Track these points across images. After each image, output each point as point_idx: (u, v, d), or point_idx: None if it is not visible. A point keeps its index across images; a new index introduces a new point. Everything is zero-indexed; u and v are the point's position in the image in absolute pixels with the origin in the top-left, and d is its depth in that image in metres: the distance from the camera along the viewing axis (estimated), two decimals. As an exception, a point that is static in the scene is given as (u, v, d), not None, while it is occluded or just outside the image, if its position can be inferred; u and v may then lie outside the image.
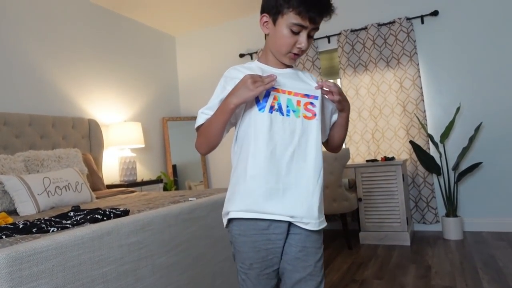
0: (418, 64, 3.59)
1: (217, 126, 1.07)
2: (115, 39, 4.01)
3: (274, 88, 1.05)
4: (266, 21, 1.08)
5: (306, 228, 1.03)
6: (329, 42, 4.05)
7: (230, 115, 1.04)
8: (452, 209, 3.31)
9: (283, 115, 1.05)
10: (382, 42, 3.75)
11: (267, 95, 1.05)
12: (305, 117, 1.06)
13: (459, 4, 3.49)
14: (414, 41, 3.62)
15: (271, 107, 1.04)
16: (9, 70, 2.93)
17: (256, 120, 1.04)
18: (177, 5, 4.00)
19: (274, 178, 1.02)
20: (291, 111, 1.05)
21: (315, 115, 1.07)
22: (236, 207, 1.04)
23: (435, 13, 3.56)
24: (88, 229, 1.16)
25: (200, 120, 1.13)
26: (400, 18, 3.63)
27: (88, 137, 3.46)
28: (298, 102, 1.06)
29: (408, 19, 3.62)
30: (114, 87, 3.94)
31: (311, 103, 1.08)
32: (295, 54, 1.06)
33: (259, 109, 1.04)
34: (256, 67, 1.13)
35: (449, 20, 3.54)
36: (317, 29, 1.05)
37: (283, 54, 1.07)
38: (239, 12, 4.32)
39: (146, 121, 4.31)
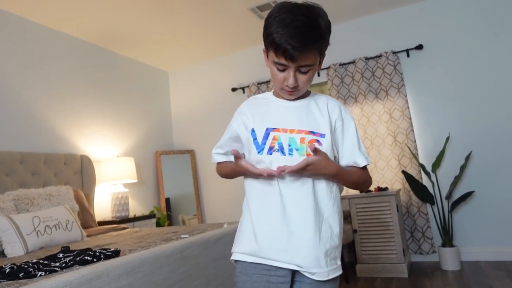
0: (406, 96, 3.68)
1: (229, 175, 1.17)
2: (108, 75, 4.08)
3: (273, 128, 1.02)
4: (266, 56, 1.05)
5: (313, 278, 0.98)
6: (319, 75, 4.15)
7: (240, 175, 1.12)
8: (448, 238, 3.28)
9: (284, 155, 0.99)
10: (370, 75, 3.86)
11: (266, 136, 1.01)
12: (309, 155, 0.97)
13: (442, 38, 3.63)
14: (401, 74, 3.73)
15: (270, 148, 1.00)
16: (0, 107, 2.95)
17: (255, 163, 1.02)
18: (169, 41, 4.11)
19: (277, 224, 0.98)
20: (294, 150, 0.99)
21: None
22: (241, 249, 1.04)
23: (419, 47, 3.69)
24: (77, 273, 1.13)
25: (214, 159, 1.20)
26: (386, 52, 3.76)
27: (80, 173, 3.43)
28: (302, 140, 1.00)
29: (394, 52, 3.75)
30: (107, 123, 3.96)
31: (317, 141, 1.00)
32: (288, 90, 1.01)
33: (258, 152, 1.02)
34: (264, 97, 1.13)
35: (433, 53, 3.67)
36: (308, 66, 0.97)
37: (279, 90, 1.04)
38: (231, 47, 4.44)
39: (139, 155, 4.30)
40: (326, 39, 0.99)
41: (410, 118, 3.65)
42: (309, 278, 0.98)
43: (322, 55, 1.02)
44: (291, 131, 1.00)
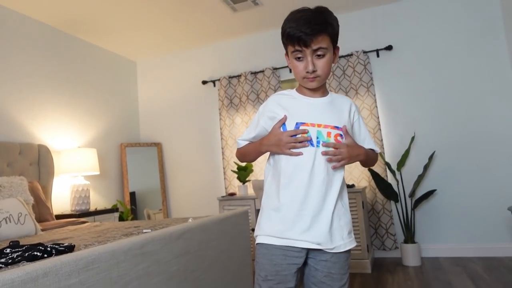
0: (375, 95, 3.74)
1: (251, 156, 1.31)
2: (72, 62, 3.86)
3: (303, 123, 1.14)
4: (287, 58, 1.21)
5: (332, 251, 1.12)
6: (290, 71, 4.13)
7: (261, 155, 1.26)
8: (410, 235, 3.37)
9: (313, 146, 1.13)
10: (341, 73, 3.89)
11: (296, 128, 1.14)
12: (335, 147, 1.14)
13: (411, 40, 3.72)
14: (371, 73, 3.78)
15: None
16: (-51, 91, 2.71)
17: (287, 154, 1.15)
18: (138, 29, 3.95)
19: (302, 207, 1.11)
20: (321, 142, 1.13)
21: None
22: (266, 231, 1.16)
23: (389, 48, 3.75)
24: (21, 270, 1.03)
25: (239, 145, 1.34)
26: (357, 51, 3.80)
27: (37, 164, 3.24)
28: (329, 134, 1.14)
29: (365, 52, 3.79)
30: (69, 112, 3.75)
31: (341, 135, 1.15)
32: (309, 78, 1.13)
33: None
34: (289, 94, 1.24)
35: (402, 54, 3.75)
36: (322, 48, 1.10)
37: (301, 81, 1.17)
38: (203, 38, 4.34)
39: (102, 147, 4.12)
40: (334, 27, 1.12)
41: (378, 117, 3.71)
42: (328, 252, 1.12)
43: (334, 42, 1.15)
44: (319, 125, 1.13)
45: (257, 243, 1.19)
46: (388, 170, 3.66)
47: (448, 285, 2.70)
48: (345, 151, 1.14)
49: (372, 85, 3.76)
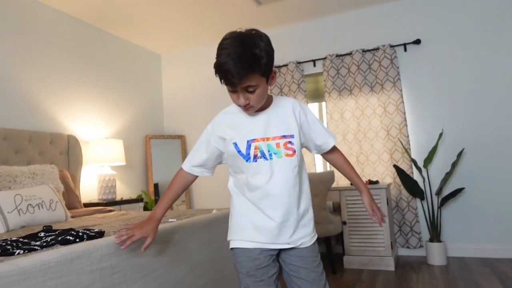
0: (401, 90, 3.65)
1: (168, 191, 1.36)
2: (99, 55, 3.96)
3: (253, 139, 1.19)
4: None
5: (301, 247, 1.22)
6: (314, 65, 4.09)
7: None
8: (435, 234, 3.29)
9: (267, 159, 1.18)
10: (366, 67, 3.82)
11: (248, 147, 1.19)
12: (287, 155, 1.20)
13: (440, 34, 3.60)
14: (398, 68, 3.69)
15: (255, 156, 1.18)
16: (-14, 82, 2.83)
17: (245, 169, 1.20)
18: (163, 22, 4.00)
19: (270, 215, 1.17)
20: (273, 154, 1.19)
21: (294, 151, 1.21)
22: (240, 237, 1.21)
23: (417, 42, 3.65)
24: (56, 252, 1.07)
25: (187, 170, 1.34)
26: (384, 45, 3.72)
27: (67, 154, 3.34)
28: (278, 145, 1.19)
29: (392, 46, 3.70)
30: (96, 103, 3.85)
31: (290, 142, 1.21)
32: (244, 107, 1.16)
33: (246, 161, 1.19)
34: (234, 111, 1.26)
35: (431, 48, 3.64)
36: (251, 86, 1.10)
37: (238, 107, 1.20)
38: (227, 31, 4.34)
39: (128, 138, 4.21)
40: (263, 59, 1.10)
41: (404, 113, 3.62)
42: (297, 248, 1.22)
43: (266, 74, 1.14)
44: (267, 139, 1.19)
45: (232, 248, 1.25)
46: (414, 167, 3.57)
47: (475, 285, 2.62)
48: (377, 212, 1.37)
49: (398, 80, 3.67)
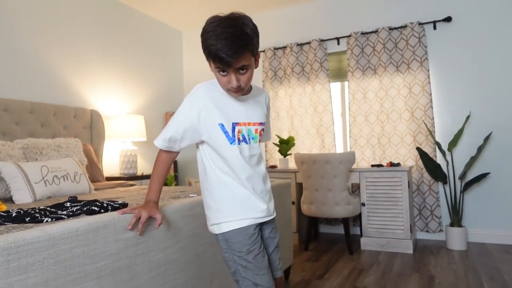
0: (428, 70, 3.52)
1: (153, 175, 1.34)
2: (121, 30, 3.95)
3: (237, 123, 1.23)
4: (209, 64, 1.19)
5: (273, 217, 1.35)
6: (338, 43, 3.98)
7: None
8: (457, 218, 3.23)
9: (247, 143, 1.25)
10: (392, 46, 3.69)
11: (233, 130, 1.22)
12: (259, 141, 1.30)
13: (473, 11, 3.42)
14: (426, 47, 3.55)
15: (238, 140, 1.23)
16: (12, 57, 2.88)
17: (227, 152, 1.22)
18: (186, -2, 3.94)
19: (254, 191, 1.25)
20: (251, 139, 1.26)
21: (261, 135, 1.31)
22: (232, 218, 1.23)
23: (448, 19, 3.49)
24: (83, 221, 1.09)
25: (160, 146, 1.31)
26: (412, 23, 3.57)
27: (90, 128, 3.40)
28: (256, 130, 1.28)
29: (420, 24, 3.55)
30: (118, 79, 3.88)
31: (263, 129, 1.31)
32: (233, 90, 1.16)
33: (230, 143, 1.22)
34: (218, 90, 1.24)
35: (462, 26, 3.47)
36: (244, 66, 1.12)
37: (226, 91, 1.20)
38: (248, 9, 4.25)
39: (149, 114, 4.25)
40: (254, 43, 1.14)
41: (430, 94, 3.51)
42: (270, 218, 1.32)
43: (255, 55, 1.18)
44: (248, 123, 1.26)
45: (227, 231, 1.23)
46: (438, 150, 3.48)
47: (496, 271, 2.58)
48: None
49: (426, 59, 3.53)
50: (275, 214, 1.36)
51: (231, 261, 1.25)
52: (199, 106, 1.22)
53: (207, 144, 1.25)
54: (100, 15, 3.69)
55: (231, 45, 1.06)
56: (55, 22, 3.23)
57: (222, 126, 1.21)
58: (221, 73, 1.14)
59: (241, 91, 1.19)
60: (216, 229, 1.26)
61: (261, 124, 1.29)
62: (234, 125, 1.22)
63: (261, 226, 1.31)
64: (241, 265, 1.23)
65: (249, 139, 1.25)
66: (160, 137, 1.28)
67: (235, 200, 1.24)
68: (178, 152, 1.34)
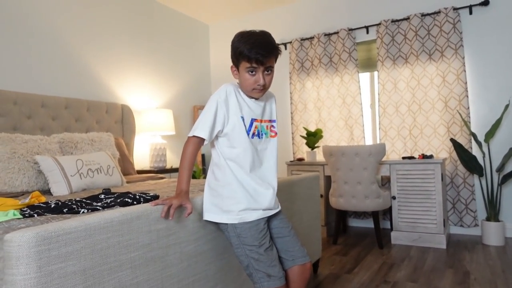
0: (463, 58, 3.37)
1: (181, 164, 1.38)
2: (149, 25, 4.02)
3: (255, 119, 1.41)
4: (234, 70, 1.41)
5: (277, 211, 1.46)
6: (367, 32, 3.87)
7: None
8: (494, 213, 3.10)
9: (260, 138, 1.42)
10: (425, 33, 3.54)
11: (251, 124, 1.40)
12: (271, 136, 1.47)
13: (513, -7, 3.23)
14: (461, 33, 3.39)
15: (253, 134, 1.40)
16: (48, 54, 2.99)
17: (245, 143, 1.37)
18: (212, -8, 3.94)
19: (265, 185, 1.40)
20: (263, 135, 1.44)
21: (276, 134, 1.48)
22: (242, 211, 1.34)
23: (485, 3, 3.31)
24: (118, 212, 1.13)
25: (202, 135, 1.35)
26: (446, 8, 3.41)
27: (121, 122, 3.50)
28: (267, 127, 1.46)
29: (455, 9, 3.39)
30: (147, 74, 3.96)
31: (273, 126, 1.49)
32: (258, 89, 1.35)
33: (248, 134, 1.38)
34: (240, 94, 1.41)
35: (500, 10, 3.28)
36: (271, 67, 1.34)
37: (249, 91, 1.37)
38: (274, 0, 4.21)
39: (177, 108, 4.31)
40: (278, 51, 1.36)
41: (466, 83, 3.36)
42: (275, 212, 1.45)
43: (275, 61, 1.38)
44: (262, 121, 1.44)
45: (238, 223, 1.34)
46: (473, 141, 3.34)
47: (537, 268, 2.46)
48: None
49: (461, 46, 3.38)
50: (280, 208, 1.48)
51: (243, 256, 1.35)
52: (228, 98, 1.38)
53: (222, 138, 1.39)
54: (129, 11, 3.76)
55: (265, 46, 1.30)
56: (89, 20, 3.32)
57: (243, 119, 1.38)
58: (250, 73, 1.32)
59: (265, 90, 1.38)
60: (225, 219, 1.36)
61: (270, 121, 1.48)
62: (252, 120, 1.40)
63: (268, 219, 1.43)
64: (254, 258, 1.33)
65: (262, 134, 1.44)
66: (202, 127, 1.34)
67: (242, 192, 1.36)
68: (203, 144, 1.38)
